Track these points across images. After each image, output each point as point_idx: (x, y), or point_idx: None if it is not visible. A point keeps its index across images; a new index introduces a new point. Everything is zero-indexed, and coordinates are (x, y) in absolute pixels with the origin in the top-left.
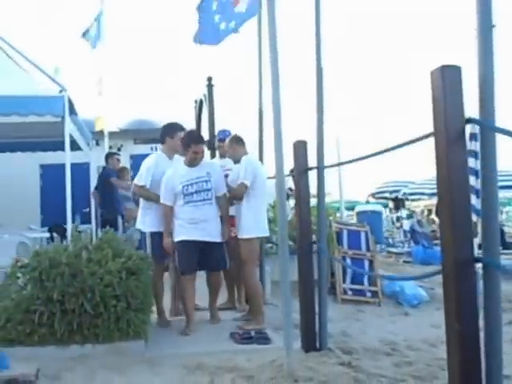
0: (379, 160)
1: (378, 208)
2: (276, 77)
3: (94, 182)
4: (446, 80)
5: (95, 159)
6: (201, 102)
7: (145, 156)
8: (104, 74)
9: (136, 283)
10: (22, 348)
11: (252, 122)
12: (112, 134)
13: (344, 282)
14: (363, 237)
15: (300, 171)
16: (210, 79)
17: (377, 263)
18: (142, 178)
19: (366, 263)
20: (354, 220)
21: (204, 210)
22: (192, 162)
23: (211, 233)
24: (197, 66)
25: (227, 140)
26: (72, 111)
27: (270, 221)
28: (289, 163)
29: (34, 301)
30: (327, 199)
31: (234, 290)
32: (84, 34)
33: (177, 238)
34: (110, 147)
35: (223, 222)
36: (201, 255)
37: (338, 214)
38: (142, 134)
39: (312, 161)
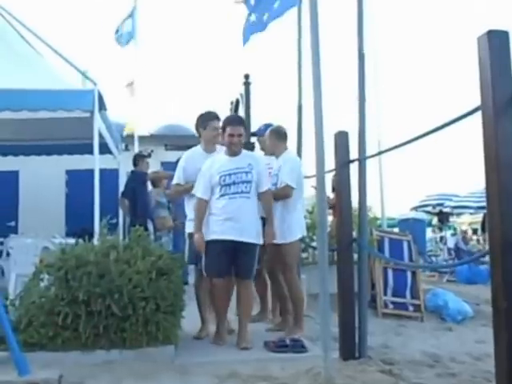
0: (422, 171)
1: (421, 216)
2: (318, 73)
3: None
4: (493, 45)
5: (124, 165)
6: (237, 102)
7: (176, 164)
8: (136, 75)
9: (166, 284)
10: (44, 353)
11: (290, 119)
12: (142, 139)
13: (385, 294)
14: (405, 246)
15: (341, 164)
16: (247, 77)
17: (419, 275)
18: (175, 177)
19: (409, 275)
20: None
21: (240, 204)
22: (230, 148)
23: (245, 231)
24: (232, 66)
25: (267, 132)
26: (102, 106)
27: (308, 228)
28: (329, 161)
29: (58, 302)
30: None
31: (267, 300)
32: (116, 33)
33: (207, 237)
34: (139, 152)
35: (266, 222)
36: (232, 258)
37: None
38: (173, 139)
39: (353, 154)
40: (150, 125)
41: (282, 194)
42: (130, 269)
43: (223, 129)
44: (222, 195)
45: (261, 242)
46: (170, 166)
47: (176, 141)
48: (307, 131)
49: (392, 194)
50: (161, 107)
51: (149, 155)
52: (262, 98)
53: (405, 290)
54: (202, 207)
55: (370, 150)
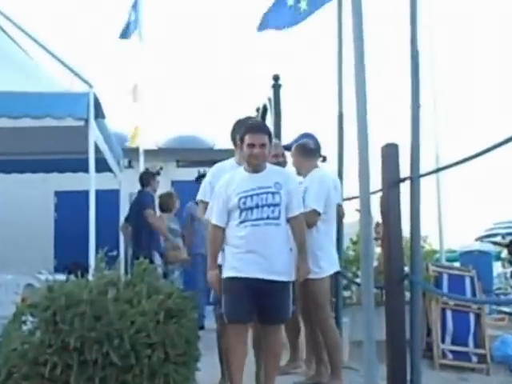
0: (490, 193)
1: (487, 247)
2: (362, 76)
3: (124, 215)
4: None
5: (127, 185)
6: (264, 108)
7: (190, 183)
8: (141, 76)
9: (177, 328)
10: None
11: (329, 129)
12: (149, 153)
13: (443, 341)
14: (468, 283)
15: (390, 183)
16: (276, 78)
17: (484, 318)
18: (199, 193)
19: (472, 318)
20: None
21: (267, 233)
22: (250, 162)
23: (275, 267)
24: (259, 66)
25: (292, 149)
26: (99, 114)
27: (351, 261)
28: (376, 179)
29: (44, 349)
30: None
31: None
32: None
33: (225, 274)
34: (147, 170)
35: (299, 255)
36: (257, 300)
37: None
38: (187, 154)
39: (405, 171)
40: (158, 136)
41: (307, 222)
42: (133, 309)
43: (241, 138)
44: (241, 221)
45: (293, 278)
46: (183, 186)
47: (190, 155)
48: (350, 144)
49: (453, 220)
50: (171, 115)
51: (157, 173)
52: (294, 104)
53: (467, 337)
54: (218, 237)
55: (426, 166)
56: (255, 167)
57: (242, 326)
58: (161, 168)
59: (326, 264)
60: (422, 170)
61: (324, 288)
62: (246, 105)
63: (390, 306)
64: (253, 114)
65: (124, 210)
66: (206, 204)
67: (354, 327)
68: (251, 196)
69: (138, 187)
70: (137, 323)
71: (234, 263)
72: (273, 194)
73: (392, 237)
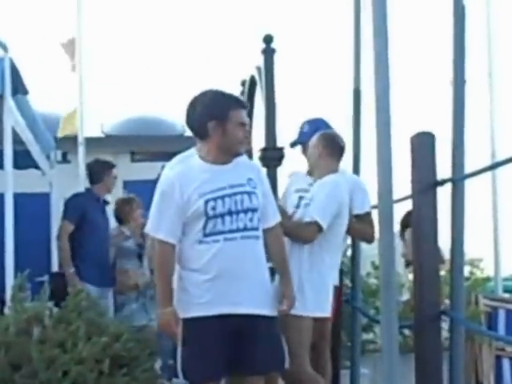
0: None
1: None
2: (384, 41)
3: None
4: None
5: (60, 186)
6: (252, 81)
7: (149, 184)
8: (79, 33)
9: (127, 381)
10: None
11: (341, 111)
12: (92, 143)
13: None
14: None
15: (423, 186)
16: (268, 40)
17: None
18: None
19: None
20: None
21: (245, 251)
22: (237, 148)
23: (256, 298)
24: (244, 25)
25: (314, 138)
26: (18, 88)
27: (374, 292)
28: (401, 181)
29: None
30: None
31: None
32: None
33: (185, 314)
34: (98, 160)
35: (281, 278)
36: (233, 345)
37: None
38: (146, 143)
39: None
40: (105, 120)
41: (302, 234)
42: (66, 355)
43: (220, 117)
44: (207, 235)
45: (275, 312)
46: (139, 188)
47: (150, 145)
48: (368, 132)
49: None
50: (124, 91)
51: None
52: (292, 76)
53: None
54: (171, 258)
55: (475, 165)
56: (231, 157)
57: None
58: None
59: (313, 301)
60: (469, 170)
61: (302, 331)
62: (228, 77)
63: (420, 352)
64: (237, 89)
65: (57, 220)
66: None
67: (377, 380)
68: (222, 198)
69: (77, 188)
70: (71, 374)
71: (200, 297)
72: (249, 194)
73: (424, 259)
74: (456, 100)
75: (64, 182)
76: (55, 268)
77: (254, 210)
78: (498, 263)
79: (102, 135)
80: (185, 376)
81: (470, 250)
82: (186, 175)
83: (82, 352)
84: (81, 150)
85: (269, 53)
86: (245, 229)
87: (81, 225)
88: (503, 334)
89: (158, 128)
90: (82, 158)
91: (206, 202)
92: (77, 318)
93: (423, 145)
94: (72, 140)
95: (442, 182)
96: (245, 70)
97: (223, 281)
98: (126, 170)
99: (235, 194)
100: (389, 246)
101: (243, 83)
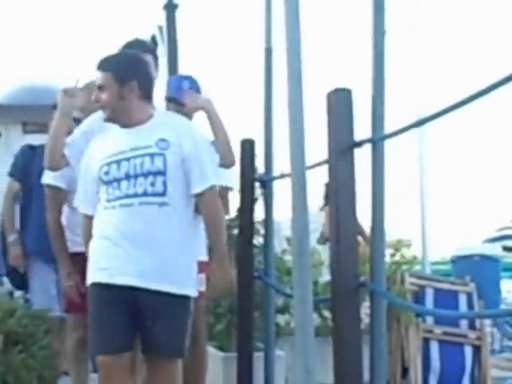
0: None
1: (491, 251)
2: None
3: None
4: None
5: None
6: (153, 41)
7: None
8: None
9: (24, 359)
10: None
11: (250, 71)
12: None
13: None
14: (463, 302)
15: (340, 149)
16: None
17: (486, 353)
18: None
19: (468, 352)
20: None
21: (144, 218)
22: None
23: (156, 271)
24: None
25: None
26: None
27: (289, 272)
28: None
29: None
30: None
31: None
32: None
33: (88, 280)
34: None
35: (212, 253)
36: (132, 320)
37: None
38: (39, 113)
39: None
40: None
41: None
42: None
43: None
44: (109, 201)
45: (195, 290)
46: None
47: (44, 115)
48: (279, 94)
49: (444, 215)
50: (14, 53)
51: None
52: (197, 34)
53: (461, 379)
54: (88, 229)
55: (397, 124)
56: (132, 123)
57: (114, 359)
58: None
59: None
60: (391, 129)
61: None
62: (125, 37)
63: (338, 328)
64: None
65: None
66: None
67: (293, 363)
68: (117, 162)
69: None
70: None
71: (100, 262)
72: (151, 156)
73: (342, 227)
74: (376, 54)
75: None
76: None
77: (156, 174)
78: (425, 244)
79: None
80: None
81: (397, 232)
82: (96, 140)
83: None
84: None
85: (170, 9)
86: (144, 194)
87: (26, 185)
88: (431, 316)
89: (51, 95)
90: None
91: (101, 167)
92: None
93: (341, 100)
94: None
95: (360, 143)
96: (145, 30)
97: (119, 249)
98: (18, 142)
99: (135, 156)
100: (302, 214)
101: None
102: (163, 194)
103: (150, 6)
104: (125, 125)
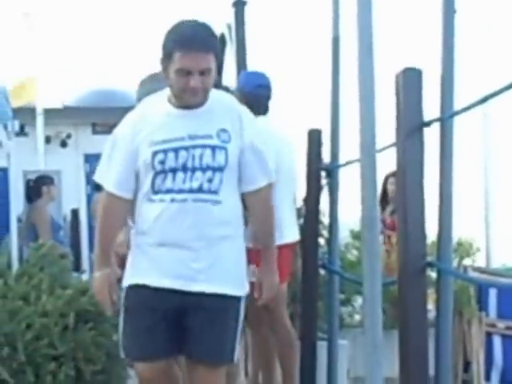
0: None
1: None
2: None
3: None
4: None
5: (17, 160)
6: (222, 40)
7: None
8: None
9: (94, 336)
10: None
11: (316, 61)
12: (51, 114)
13: (488, 379)
14: None
15: (409, 129)
16: None
17: None
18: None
19: None
20: None
21: (197, 216)
22: (183, 98)
23: (210, 273)
24: None
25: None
26: None
27: (353, 265)
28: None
29: None
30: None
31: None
32: None
33: (125, 281)
34: (48, 138)
35: (262, 256)
36: (180, 324)
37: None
38: (107, 115)
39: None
40: (64, 90)
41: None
42: (30, 308)
43: (167, 52)
44: (156, 192)
45: (244, 291)
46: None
47: (112, 117)
48: (347, 85)
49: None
50: (84, 61)
51: (63, 144)
52: (266, 32)
53: None
54: (114, 212)
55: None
56: (188, 102)
57: (154, 366)
58: (68, 136)
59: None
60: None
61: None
62: None
63: (404, 308)
64: None
65: (18, 196)
66: None
67: (356, 358)
68: (175, 150)
69: (35, 164)
70: (35, 326)
71: (141, 263)
72: (213, 148)
73: (410, 207)
74: (446, 33)
75: (22, 155)
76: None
77: (215, 170)
78: (489, 241)
79: (61, 107)
80: (124, 352)
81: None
82: (145, 117)
83: (45, 305)
84: (39, 121)
85: (239, 7)
86: (200, 190)
87: None
88: (495, 311)
89: (119, 99)
90: (40, 129)
91: (155, 153)
92: (40, 271)
93: (410, 81)
94: (29, 111)
95: (429, 123)
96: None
97: (166, 249)
98: (87, 142)
99: (194, 146)
100: (371, 187)
101: None
102: (218, 191)
103: (219, 4)
104: (189, 106)
